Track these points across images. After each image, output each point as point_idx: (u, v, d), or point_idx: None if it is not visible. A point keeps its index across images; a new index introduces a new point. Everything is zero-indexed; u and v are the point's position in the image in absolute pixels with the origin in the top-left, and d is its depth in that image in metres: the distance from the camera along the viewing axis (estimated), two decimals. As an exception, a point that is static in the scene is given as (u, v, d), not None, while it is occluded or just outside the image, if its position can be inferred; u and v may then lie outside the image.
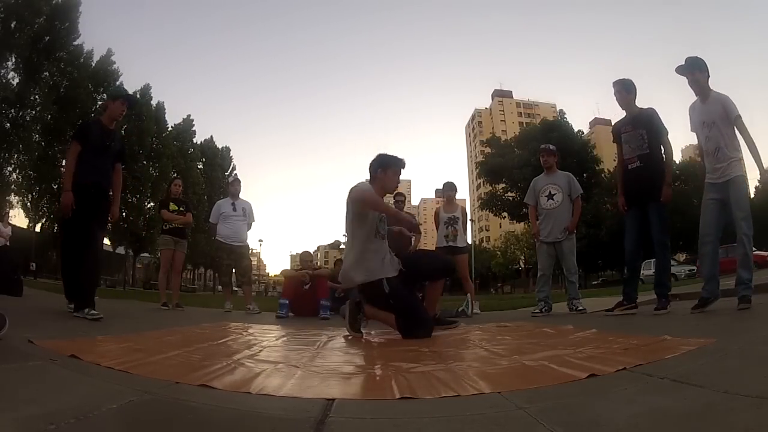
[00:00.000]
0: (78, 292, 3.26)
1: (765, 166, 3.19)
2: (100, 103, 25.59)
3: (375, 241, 2.85)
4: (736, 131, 3.15)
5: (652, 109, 3.76)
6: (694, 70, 3.25)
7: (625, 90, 3.78)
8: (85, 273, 3.27)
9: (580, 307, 4.46)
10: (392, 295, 2.74)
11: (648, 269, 8.18)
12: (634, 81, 3.81)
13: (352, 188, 2.87)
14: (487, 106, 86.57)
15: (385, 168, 2.95)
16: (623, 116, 3.89)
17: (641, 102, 3.83)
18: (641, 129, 3.68)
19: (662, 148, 3.67)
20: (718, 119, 3.17)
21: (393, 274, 2.81)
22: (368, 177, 3.03)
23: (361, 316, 2.87)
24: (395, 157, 3.00)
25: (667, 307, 3.44)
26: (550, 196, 4.66)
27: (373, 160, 2.99)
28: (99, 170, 3.41)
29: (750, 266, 3.11)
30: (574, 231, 4.65)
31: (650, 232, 3.60)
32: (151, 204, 27.59)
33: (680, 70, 3.31)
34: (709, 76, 3.28)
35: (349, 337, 2.73)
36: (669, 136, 3.68)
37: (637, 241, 3.72)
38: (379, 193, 2.91)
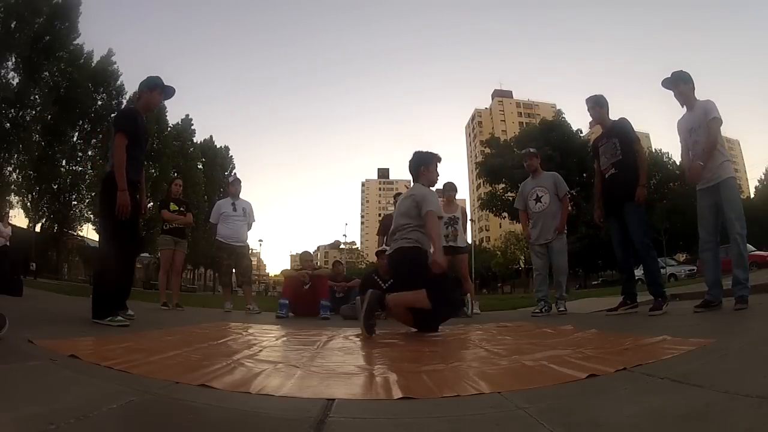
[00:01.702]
0: (120, 297, 3.08)
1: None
2: (99, 103, 25.61)
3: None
4: (721, 133, 3.25)
5: (624, 118, 3.93)
6: (679, 83, 3.40)
7: (598, 105, 3.97)
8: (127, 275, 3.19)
9: (561, 308, 4.46)
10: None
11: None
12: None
13: (421, 194, 3.09)
14: (487, 106, 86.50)
15: (427, 164, 3.25)
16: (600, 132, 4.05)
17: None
18: (614, 138, 3.85)
19: (636, 154, 3.78)
20: (704, 122, 3.28)
21: None
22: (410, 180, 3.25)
23: (380, 312, 2.85)
24: (429, 152, 3.29)
25: (662, 307, 3.43)
26: (538, 199, 4.75)
27: (412, 160, 3.28)
28: (138, 167, 3.19)
29: (745, 265, 3.13)
30: (564, 231, 4.66)
31: (630, 236, 3.67)
32: (151, 204, 27.57)
33: (666, 84, 3.47)
34: (694, 87, 3.41)
35: (351, 337, 2.69)
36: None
37: (624, 245, 3.81)
38: (427, 186, 3.23)
